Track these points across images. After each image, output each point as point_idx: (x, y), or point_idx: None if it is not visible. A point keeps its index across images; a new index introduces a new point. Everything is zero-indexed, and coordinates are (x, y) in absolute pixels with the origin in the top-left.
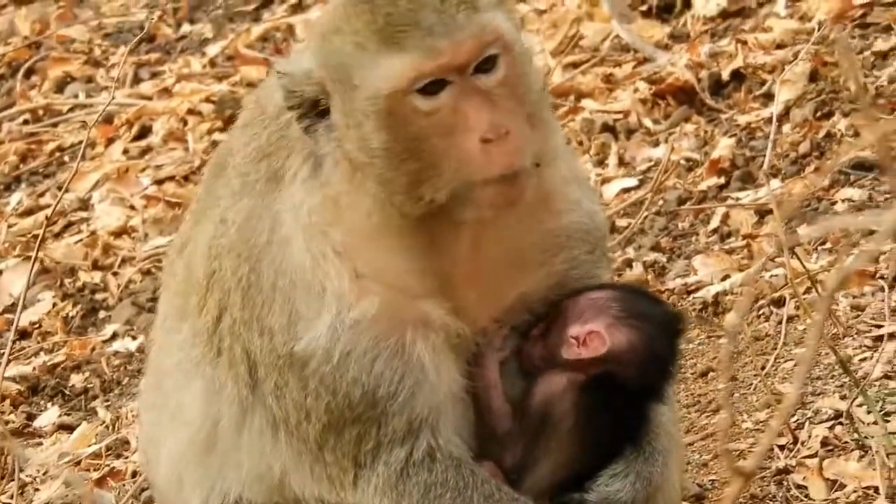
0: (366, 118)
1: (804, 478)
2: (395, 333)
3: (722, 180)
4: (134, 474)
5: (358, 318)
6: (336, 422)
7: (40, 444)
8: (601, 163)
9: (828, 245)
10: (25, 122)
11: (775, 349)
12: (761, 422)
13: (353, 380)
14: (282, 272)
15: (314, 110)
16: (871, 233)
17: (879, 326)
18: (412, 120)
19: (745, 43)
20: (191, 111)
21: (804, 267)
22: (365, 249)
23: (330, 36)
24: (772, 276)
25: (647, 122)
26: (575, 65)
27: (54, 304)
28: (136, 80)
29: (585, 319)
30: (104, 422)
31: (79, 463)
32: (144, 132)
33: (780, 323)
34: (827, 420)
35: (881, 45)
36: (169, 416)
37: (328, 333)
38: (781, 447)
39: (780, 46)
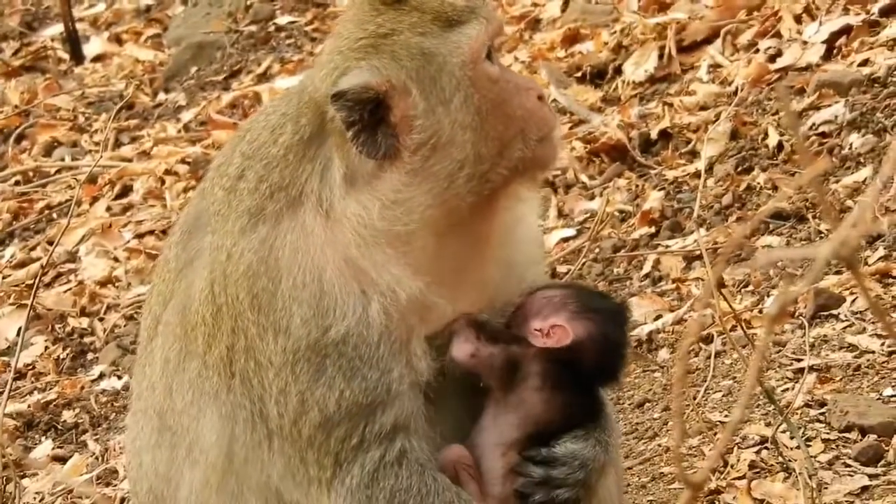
0: (456, 91)
1: (734, 497)
2: (402, 324)
3: (653, 230)
4: (122, 501)
5: (390, 306)
6: (333, 415)
7: (35, 474)
8: (542, 215)
9: (750, 287)
10: (17, 182)
11: (705, 381)
12: (694, 447)
13: (369, 367)
14: (307, 271)
15: (371, 121)
16: (792, 276)
17: (800, 360)
18: (489, 86)
19: (671, 105)
20: (168, 171)
21: (731, 307)
22: (397, 248)
23: (381, 42)
24: (700, 315)
25: (584, 178)
26: None
27: (46, 348)
28: (118, 143)
29: (546, 315)
30: (94, 454)
31: (71, 491)
32: (126, 191)
33: (708, 358)
34: (754, 445)
35: (795, 105)
36: (185, 450)
37: (379, 314)
38: (713, 470)
39: (703, 108)
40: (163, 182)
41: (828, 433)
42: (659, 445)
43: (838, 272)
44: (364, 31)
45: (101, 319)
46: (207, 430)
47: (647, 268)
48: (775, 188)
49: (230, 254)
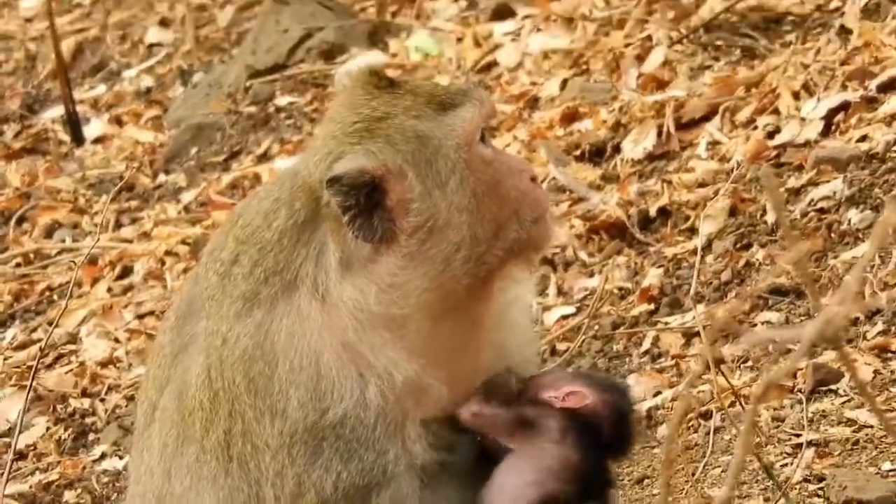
0: (452, 174)
1: None
2: (398, 406)
3: (652, 306)
4: None
5: (386, 388)
6: (330, 497)
7: None
8: (542, 292)
9: (749, 363)
10: (18, 264)
11: (704, 457)
12: None
13: (366, 448)
14: (303, 355)
15: (367, 205)
16: (790, 351)
17: (798, 435)
18: (483, 168)
19: (669, 182)
20: (168, 252)
21: (729, 383)
22: (393, 332)
23: (376, 125)
24: (699, 391)
25: (583, 256)
26: None
27: (48, 428)
28: (118, 225)
29: (559, 385)
30: None
31: None
32: (126, 272)
33: (707, 433)
34: None
35: (793, 182)
36: None
37: (376, 397)
38: None
39: (701, 185)
40: (163, 263)
41: None
42: None
43: (826, 345)
44: (358, 115)
45: (102, 400)
46: None
47: (646, 344)
48: (774, 264)
49: (226, 339)
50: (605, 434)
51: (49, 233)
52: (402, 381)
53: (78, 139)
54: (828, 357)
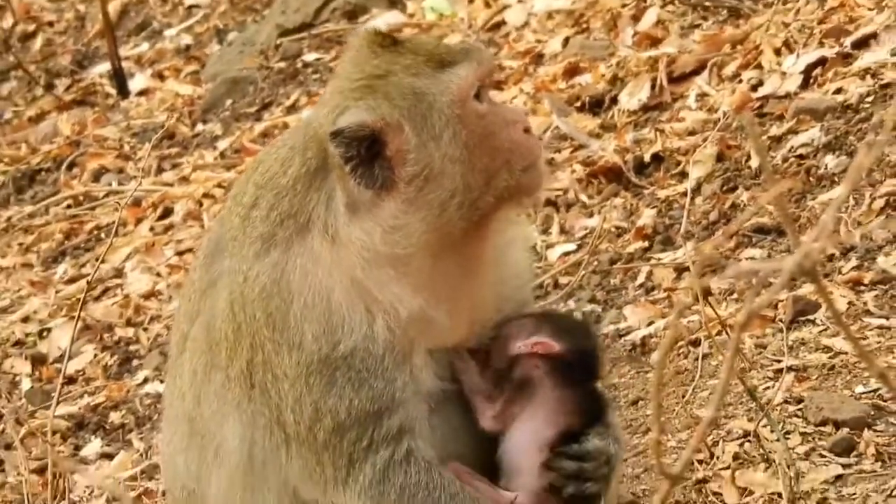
0: (445, 127)
1: (719, 486)
2: (404, 338)
3: (646, 244)
4: (164, 493)
5: (392, 321)
6: (345, 421)
7: (86, 469)
8: (546, 231)
9: (734, 296)
10: (68, 206)
11: (692, 381)
12: (683, 440)
13: (375, 377)
14: (316, 291)
15: (368, 156)
16: (771, 284)
17: (779, 361)
18: (476, 121)
19: (662, 131)
20: (205, 195)
21: (716, 313)
22: (397, 269)
23: (376, 82)
24: (688, 321)
25: (584, 198)
26: None
27: (95, 355)
28: (160, 170)
29: (524, 336)
30: (139, 450)
31: (119, 483)
32: (167, 213)
33: (696, 360)
34: (737, 438)
35: (775, 130)
36: (213, 453)
37: (383, 331)
38: (700, 461)
39: (691, 133)
40: (201, 204)
41: (805, 427)
42: (651, 439)
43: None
44: (361, 73)
45: (145, 329)
46: (231, 436)
47: (640, 278)
48: (757, 204)
49: (246, 277)
50: (577, 368)
51: (97, 177)
52: (406, 315)
53: (123, 92)
54: (806, 290)
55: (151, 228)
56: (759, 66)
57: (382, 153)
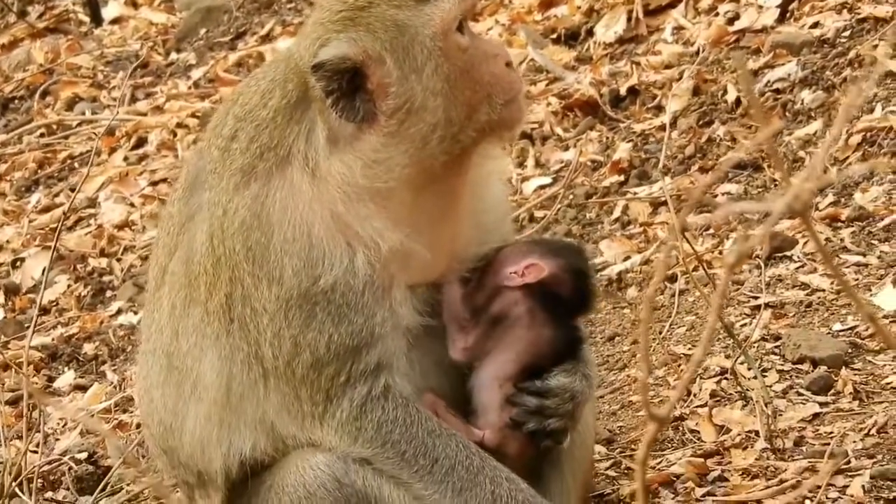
0: (427, 60)
1: (696, 423)
2: (384, 273)
3: (622, 178)
4: (138, 426)
5: (373, 256)
6: (324, 356)
7: (60, 401)
8: (521, 164)
9: (711, 231)
10: (42, 135)
11: (670, 317)
12: (659, 377)
13: (355, 312)
14: (296, 225)
15: (349, 88)
16: (748, 226)
17: (756, 298)
18: (458, 55)
19: (638, 64)
20: (179, 125)
21: (693, 249)
22: (378, 203)
23: (359, 14)
24: (666, 257)
25: (559, 131)
26: None
27: (69, 286)
28: (133, 99)
29: (516, 259)
30: (112, 383)
31: (92, 416)
32: (141, 142)
33: (673, 296)
34: (715, 376)
35: (751, 64)
36: (190, 387)
37: (364, 265)
38: (677, 399)
39: (667, 67)
40: (175, 134)
41: (782, 365)
42: (628, 376)
43: (791, 217)
44: (344, 4)
45: (118, 260)
46: (208, 370)
47: (616, 213)
48: (734, 140)
49: (226, 210)
50: (568, 296)
51: (70, 106)
52: (387, 249)
53: (97, 20)
54: (783, 226)
55: (125, 158)
56: (736, 0)
57: (364, 86)
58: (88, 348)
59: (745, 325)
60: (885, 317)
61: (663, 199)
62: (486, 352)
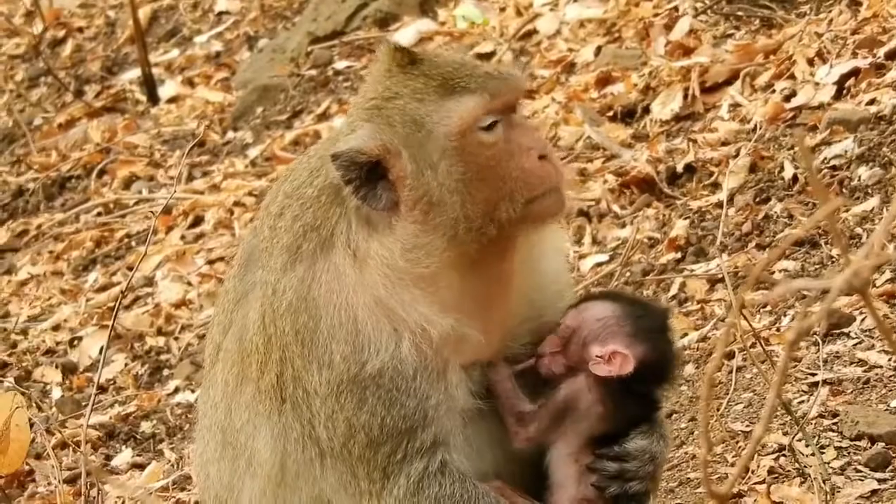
0: (442, 158)
1: (755, 500)
2: (437, 357)
3: (679, 255)
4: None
5: (422, 341)
6: (378, 436)
7: (118, 479)
8: (578, 241)
9: (768, 308)
10: (99, 213)
11: (727, 394)
12: (718, 454)
13: (406, 396)
14: (342, 311)
15: (370, 178)
16: (808, 305)
17: (814, 374)
18: (479, 151)
19: (695, 141)
20: (236, 203)
21: (751, 326)
22: (422, 288)
23: (385, 104)
24: (724, 334)
25: (616, 208)
26: None
27: (126, 364)
28: (191, 178)
29: (604, 340)
30: (170, 461)
31: (150, 494)
32: (198, 221)
33: (731, 372)
34: (773, 452)
35: (808, 141)
36: (245, 463)
37: (410, 350)
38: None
39: (724, 143)
40: (232, 213)
41: (840, 441)
42: (686, 453)
43: (849, 294)
44: (375, 92)
45: (175, 338)
46: (262, 447)
47: (674, 290)
48: (791, 217)
49: (275, 289)
50: (650, 380)
51: (127, 185)
52: (437, 335)
53: (153, 99)
54: (841, 302)
55: (182, 237)
56: (792, 77)
57: (387, 175)
58: (146, 427)
59: (802, 402)
60: None
61: (720, 276)
62: (552, 440)
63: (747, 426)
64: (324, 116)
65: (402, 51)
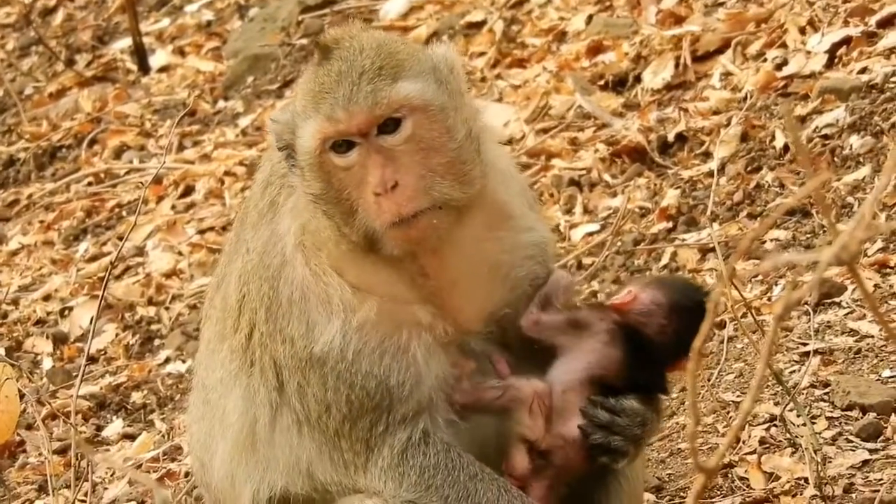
0: (305, 167)
1: (745, 471)
2: (395, 333)
3: (670, 224)
4: (187, 475)
5: (362, 321)
6: (353, 412)
7: (107, 450)
8: (569, 211)
9: (759, 277)
10: (89, 183)
11: (718, 364)
12: (708, 425)
13: (366, 373)
14: (295, 287)
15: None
16: (796, 278)
17: (805, 344)
18: (334, 172)
19: (686, 110)
20: (227, 173)
21: (742, 296)
22: (354, 265)
23: (296, 96)
24: (714, 303)
25: (607, 177)
26: (545, 130)
27: (117, 335)
28: (181, 147)
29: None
30: (160, 431)
31: (140, 466)
32: (189, 191)
33: (721, 342)
34: (764, 423)
35: (800, 110)
36: (218, 423)
37: (340, 335)
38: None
39: (715, 113)
40: (222, 182)
41: (831, 412)
42: (676, 423)
43: (840, 264)
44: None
45: (166, 308)
46: (231, 408)
47: (665, 259)
48: (782, 186)
49: (248, 248)
50: (655, 333)
51: (118, 154)
52: (376, 314)
53: (144, 68)
54: (831, 272)
55: (173, 207)
56: (784, 45)
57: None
58: (136, 397)
59: (794, 371)
60: None
61: (711, 245)
62: (558, 343)
63: (738, 396)
64: None
65: (324, 47)
